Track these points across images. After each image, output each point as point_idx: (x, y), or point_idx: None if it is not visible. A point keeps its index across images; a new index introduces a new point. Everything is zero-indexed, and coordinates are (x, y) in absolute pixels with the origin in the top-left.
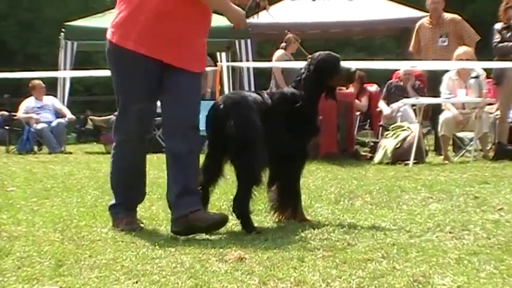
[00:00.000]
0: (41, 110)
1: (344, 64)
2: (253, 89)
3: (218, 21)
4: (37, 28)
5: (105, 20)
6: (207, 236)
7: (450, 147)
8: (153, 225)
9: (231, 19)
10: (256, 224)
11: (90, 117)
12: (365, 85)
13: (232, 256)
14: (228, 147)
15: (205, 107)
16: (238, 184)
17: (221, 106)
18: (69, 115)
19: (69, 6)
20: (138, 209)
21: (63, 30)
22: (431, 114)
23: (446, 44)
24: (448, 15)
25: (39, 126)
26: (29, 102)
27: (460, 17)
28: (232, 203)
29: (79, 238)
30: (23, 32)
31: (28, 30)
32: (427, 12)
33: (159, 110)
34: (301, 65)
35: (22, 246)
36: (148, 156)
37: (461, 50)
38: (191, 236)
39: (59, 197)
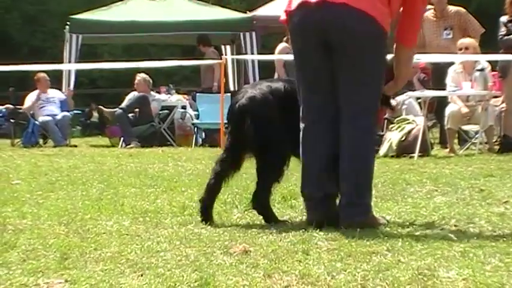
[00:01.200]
0: (46, 103)
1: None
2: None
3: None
4: (42, 21)
5: (109, 13)
6: (212, 229)
7: (456, 140)
8: (158, 218)
9: (402, 74)
10: (261, 217)
11: (99, 106)
12: None
13: (237, 249)
14: (247, 144)
15: (212, 100)
16: (258, 180)
17: (240, 102)
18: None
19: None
20: (143, 201)
21: (68, 23)
22: (436, 107)
23: (450, 36)
24: (452, 8)
25: (45, 119)
26: (33, 96)
27: (464, 10)
28: (251, 198)
29: (84, 231)
30: (28, 25)
31: (33, 24)
32: (431, 4)
33: (163, 103)
34: None
35: (27, 239)
36: (153, 150)
37: (466, 39)
38: (196, 229)
39: (63, 190)
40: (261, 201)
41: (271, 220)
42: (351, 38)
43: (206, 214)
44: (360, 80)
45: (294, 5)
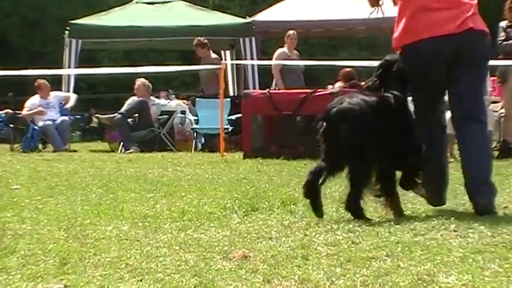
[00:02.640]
0: (46, 108)
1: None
2: (257, 87)
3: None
4: (41, 26)
5: (109, 18)
6: (212, 234)
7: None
8: (157, 223)
9: None
10: (260, 222)
11: (96, 115)
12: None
13: (236, 254)
14: (340, 149)
15: (212, 105)
16: (350, 184)
17: (333, 110)
18: (71, 102)
19: (74, 4)
20: (142, 207)
21: (67, 28)
22: None
23: None
24: None
25: (44, 123)
26: (34, 100)
27: None
28: (345, 201)
29: (83, 236)
30: (28, 30)
31: (32, 29)
32: None
33: (163, 108)
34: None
35: (27, 244)
36: (152, 155)
37: None
38: (195, 234)
39: (63, 195)
40: (353, 204)
41: (361, 218)
42: (481, 56)
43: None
44: (479, 87)
45: (423, 34)
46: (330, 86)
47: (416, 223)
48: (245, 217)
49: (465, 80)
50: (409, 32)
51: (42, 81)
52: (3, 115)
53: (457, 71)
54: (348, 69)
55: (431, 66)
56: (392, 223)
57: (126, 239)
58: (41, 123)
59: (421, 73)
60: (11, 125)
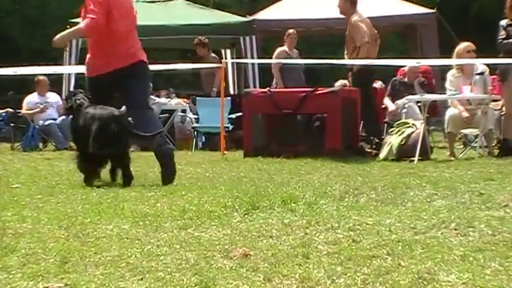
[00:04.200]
0: (44, 106)
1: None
2: (257, 86)
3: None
4: (42, 24)
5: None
6: (212, 233)
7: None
8: (158, 221)
9: None
10: (261, 221)
11: None
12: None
13: (237, 253)
14: None
15: (212, 104)
16: None
17: None
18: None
19: (75, 3)
20: (143, 205)
21: (68, 27)
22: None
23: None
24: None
25: (46, 122)
26: (31, 98)
27: (356, 18)
28: None
29: (84, 235)
30: (28, 28)
31: (33, 27)
32: (431, 8)
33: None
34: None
35: (27, 243)
36: (152, 153)
37: (462, 45)
38: (196, 233)
39: (63, 194)
40: None
41: None
42: None
43: None
44: None
45: None
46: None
47: (416, 221)
48: (246, 216)
49: None
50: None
51: (42, 77)
52: (3, 114)
53: None
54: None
55: None
56: (392, 221)
57: (127, 238)
58: (41, 122)
59: None
60: (12, 124)
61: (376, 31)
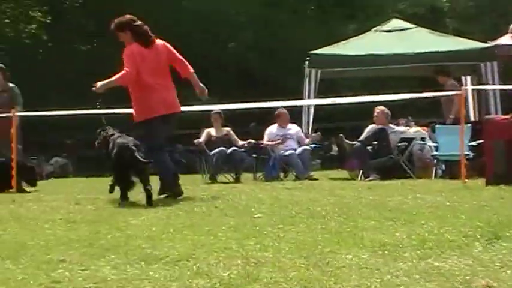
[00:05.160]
0: (284, 137)
1: None
2: (499, 112)
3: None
4: (282, 57)
5: (347, 47)
6: (453, 263)
7: None
8: (397, 251)
9: None
10: (504, 251)
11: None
12: None
13: (479, 284)
14: None
15: (452, 131)
16: None
17: None
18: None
19: (314, 35)
20: (382, 234)
21: (307, 58)
22: None
23: None
24: None
25: (287, 152)
26: (272, 129)
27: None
28: None
29: (324, 264)
30: (268, 61)
31: (273, 59)
32: None
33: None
34: None
35: (269, 272)
36: (392, 182)
37: None
38: (436, 263)
39: (303, 223)
40: None
41: None
42: None
43: None
44: None
45: None
46: None
47: None
48: (488, 245)
49: None
50: None
51: (282, 110)
52: (246, 145)
53: None
54: None
55: None
56: None
57: (366, 268)
58: (282, 152)
59: None
60: (254, 155)
61: None
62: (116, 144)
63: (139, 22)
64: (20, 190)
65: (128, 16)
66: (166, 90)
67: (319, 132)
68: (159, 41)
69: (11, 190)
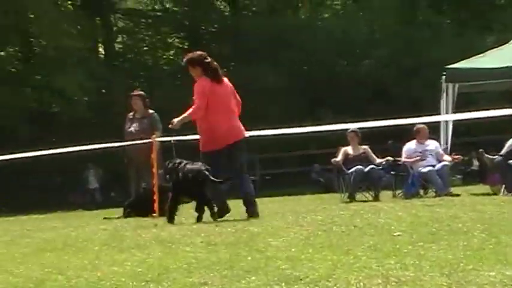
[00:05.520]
0: (423, 153)
1: None
2: None
3: None
4: (418, 72)
5: (485, 61)
6: None
7: None
8: None
9: None
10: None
11: (480, 150)
12: None
13: None
14: None
15: None
16: None
17: None
18: (447, 158)
19: (450, 48)
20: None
21: (444, 73)
22: None
23: None
24: None
25: (425, 169)
26: (410, 146)
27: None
28: None
29: (466, 282)
30: (405, 77)
31: (409, 75)
32: None
33: None
34: None
35: None
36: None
37: None
38: None
39: (444, 241)
40: None
41: None
42: None
43: None
44: None
45: None
46: None
47: None
48: None
49: None
50: None
51: (421, 126)
52: (384, 162)
53: None
54: None
55: None
56: None
57: (511, 285)
58: (421, 169)
59: None
60: (392, 172)
61: None
62: (189, 170)
63: (209, 59)
64: (162, 214)
65: (198, 52)
66: (231, 121)
67: (460, 156)
68: (225, 79)
69: (153, 215)
